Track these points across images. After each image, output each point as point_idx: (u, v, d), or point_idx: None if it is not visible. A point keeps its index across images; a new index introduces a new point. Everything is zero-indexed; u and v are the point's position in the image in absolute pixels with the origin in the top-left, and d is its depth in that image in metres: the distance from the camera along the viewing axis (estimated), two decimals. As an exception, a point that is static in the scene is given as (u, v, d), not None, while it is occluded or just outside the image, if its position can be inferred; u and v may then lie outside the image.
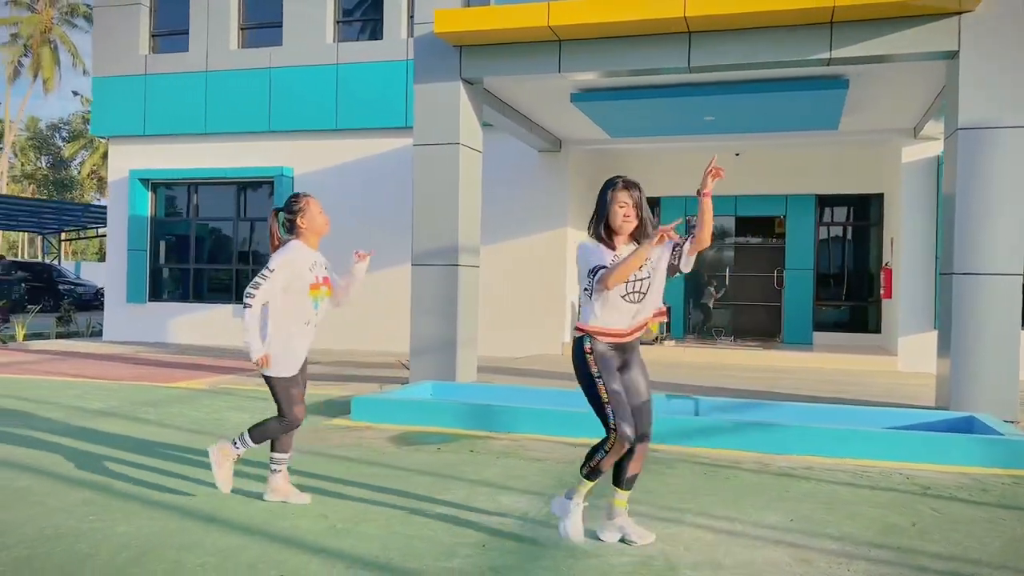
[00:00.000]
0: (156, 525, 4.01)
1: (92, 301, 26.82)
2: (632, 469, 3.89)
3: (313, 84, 14.24)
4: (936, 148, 11.87)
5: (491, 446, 6.16)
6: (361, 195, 14.17)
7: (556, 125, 12.16)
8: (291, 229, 4.48)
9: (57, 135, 60.14)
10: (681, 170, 15.33)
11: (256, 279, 4.28)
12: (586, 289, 3.78)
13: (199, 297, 15.57)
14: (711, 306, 15.69)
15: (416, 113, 8.96)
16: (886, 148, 13.47)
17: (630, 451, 3.78)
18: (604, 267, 3.70)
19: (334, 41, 14.34)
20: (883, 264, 13.93)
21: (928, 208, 12.08)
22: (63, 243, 39.14)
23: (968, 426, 6.66)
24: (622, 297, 3.74)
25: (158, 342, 15.01)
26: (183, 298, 15.60)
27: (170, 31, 15.31)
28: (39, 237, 32.87)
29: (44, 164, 59.37)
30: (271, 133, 14.66)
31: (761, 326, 15.67)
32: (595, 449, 3.74)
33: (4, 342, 14.76)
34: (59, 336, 16.07)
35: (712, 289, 15.61)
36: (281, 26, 14.54)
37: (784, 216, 15.25)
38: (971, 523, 4.38)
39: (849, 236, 15.38)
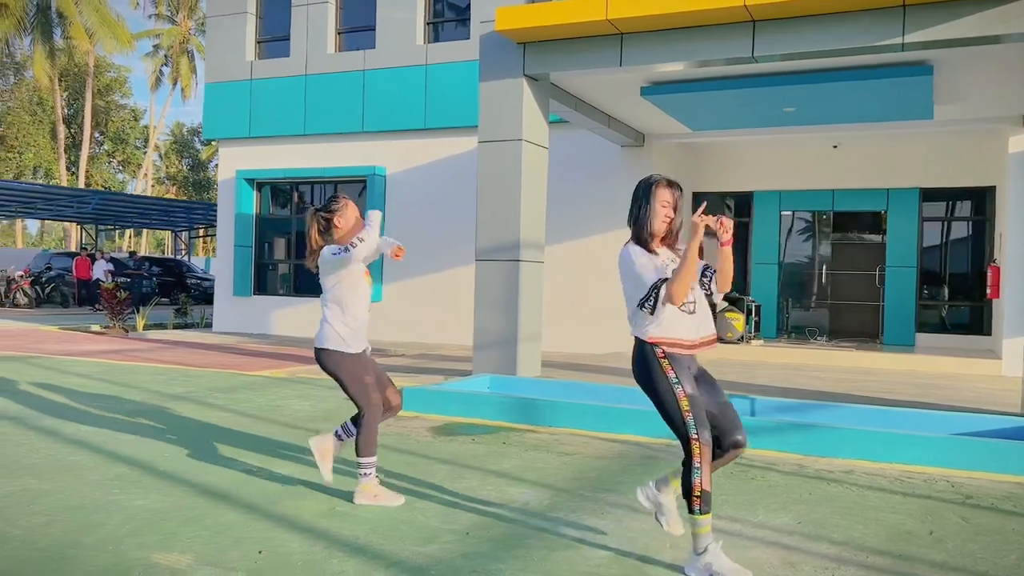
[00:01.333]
0: (169, 500, 4.29)
1: (217, 294, 28.45)
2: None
3: (404, 85, 14.63)
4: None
5: (526, 439, 6.20)
6: (449, 192, 14.46)
7: (634, 119, 12.02)
8: (327, 229, 4.48)
9: (196, 139, 64.12)
10: (774, 163, 14.87)
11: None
12: (644, 305, 3.42)
13: (299, 291, 16.30)
14: (808, 306, 15.12)
15: (481, 110, 9.08)
16: (993, 138, 12.59)
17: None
18: (665, 279, 3.38)
19: (424, 42, 14.68)
20: (991, 261, 13.03)
21: (1040, 201, 11.22)
22: (200, 239, 41.75)
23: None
24: (680, 308, 3.45)
25: (261, 333, 15.81)
26: (284, 292, 16.37)
27: (273, 37, 16.08)
28: (181, 235, 35.12)
29: (185, 167, 63.42)
30: (364, 133, 15.16)
31: (859, 327, 14.95)
32: (687, 475, 3.33)
33: (126, 331, 15.93)
34: (175, 327, 17.18)
35: (812, 291, 15.04)
36: (375, 29, 15.02)
37: (885, 211, 14.50)
38: (995, 534, 4.09)
39: (956, 232, 14.45)
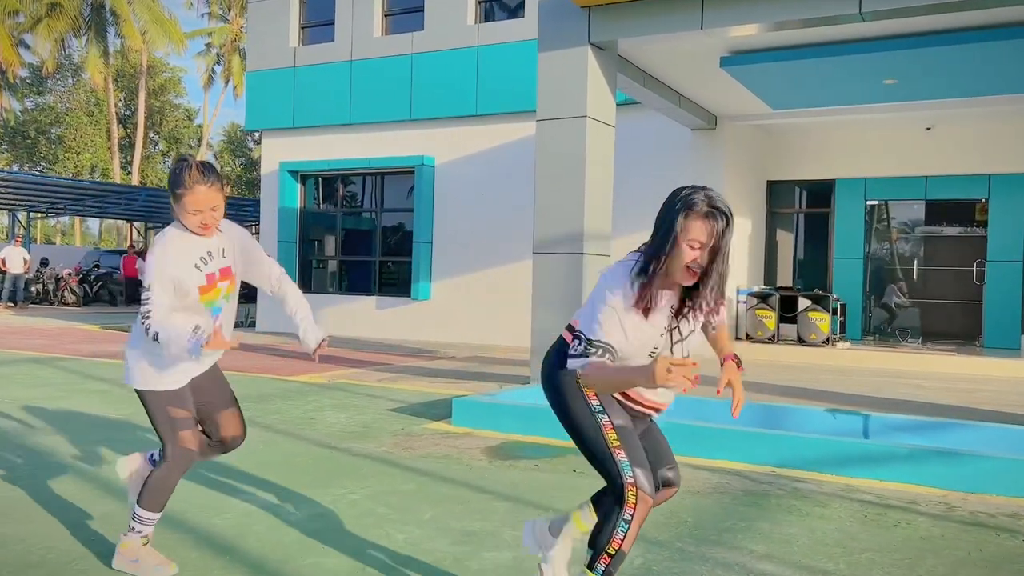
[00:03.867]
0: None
1: (266, 292, 27.99)
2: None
3: (454, 68, 13.69)
4: None
5: (600, 465, 5.16)
6: (502, 182, 13.48)
7: (708, 98, 10.87)
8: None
9: (249, 138, 64.33)
10: (859, 147, 13.55)
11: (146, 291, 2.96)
12: (575, 338, 2.48)
13: (344, 288, 15.49)
14: (894, 306, 13.78)
15: (540, 84, 8.06)
16: (1121, 113, 11.14)
17: None
18: (605, 347, 2.40)
19: (476, 22, 13.71)
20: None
21: None
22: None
23: None
24: (649, 355, 2.49)
25: (305, 334, 15.02)
26: (334, 290, 15.58)
27: (317, 22, 15.27)
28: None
29: (239, 165, 63.70)
30: (412, 121, 14.27)
31: (956, 327, 13.56)
32: (604, 525, 2.51)
33: (167, 331, 15.30)
34: (218, 326, 16.52)
35: (897, 287, 13.70)
36: (423, 10, 14.11)
37: (986, 199, 13.06)
38: None
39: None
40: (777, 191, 14.45)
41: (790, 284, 14.20)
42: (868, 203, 13.95)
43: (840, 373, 10.26)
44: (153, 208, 26.32)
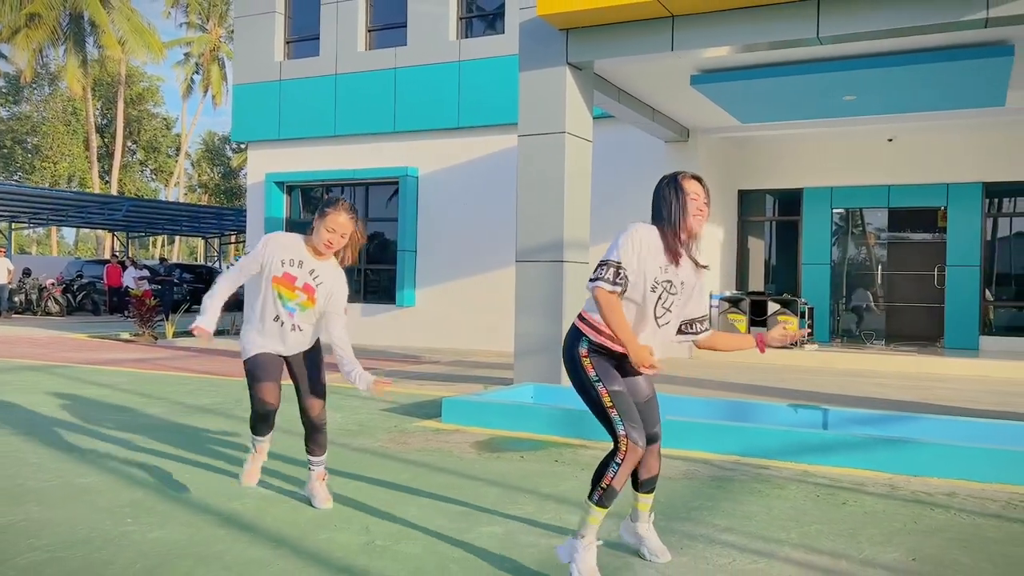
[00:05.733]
0: (187, 532, 3.77)
1: (248, 301, 28.20)
2: (648, 471, 3.47)
3: (437, 82, 14.15)
4: None
5: (580, 456, 5.63)
6: (484, 193, 13.94)
7: (680, 112, 11.41)
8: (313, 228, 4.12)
9: (227, 147, 64.34)
10: (825, 158, 14.16)
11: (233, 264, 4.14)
12: (595, 279, 3.18)
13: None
14: (865, 309, 14.38)
15: (521, 102, 8.54)
16: (1067, 126, 11.81)
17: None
18: (616, 265, 3.15)
19: (457, 38, 14.18)
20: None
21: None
22: (231, 246, 41.65)
23: None
24: (654, 313, 3.24)
25: (291, 340, 15.37)
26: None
27: (302, 36, 15.68)
28: (208, 242, 34.99)
29: (216, 174, 63.66)
30: (396, 133, 14.70)
31: (919, 329, 14.18)
32: (604, 465, 3.15)
33: (155, 339, 15.58)
34: (205, 334, 16.80)
35: (869, 292, 14.31)
36: (406, 26, 14.56)
37: (945, 207, 13.71)
38: None
39: (1022, 228, 13.62)
40: (748, 200, 15.03)
41: (762, 289, 14.77)
42: (835, 211, 14.56)
43: (807, 373, 10.80)
44: (135, 218, 26.52)
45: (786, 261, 15.11)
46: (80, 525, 3.86)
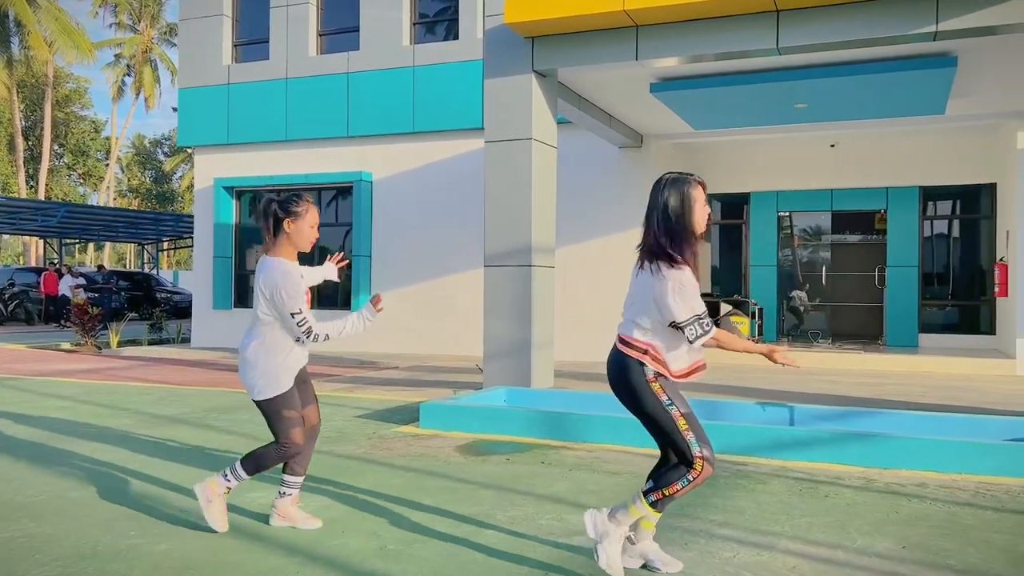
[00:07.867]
0: (197, 543, 3.75)
1: (188, 308, 27.57)
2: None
3: (390, 87, 14.12)
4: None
5: (564, 457, 5.74)
6: (438, 198, 13.96)
7: (636, 119, 11.65)
8: (274, 230, 3.93)
9: (159, 150, 62.75)
10: (771, 163, 14.60)
11: (299, 314, 3.96)
12: (680, 324, 3.21)
13: (282, 303, 15.67)
14: (802, 310, 14.86)
15: (487, 109, 8.62)
16: (999, 134, 12.44)
17: None
18: (705, 315, 3.27)
19: (411, 43, 14.18)
20: (997, 259, 12.84)
21: (1049, 197, 11.04)
22: (163, 252, 40.66)
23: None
24: (691, 341, 3.27)
25: (243, 348, 15.13)
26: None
27: (251, 40, 15.46)
28: (144, 248, 34.05)
29: (148, 179, 62.02)
30: (350, 138, 14.61)
31: (861, 328, 14.73)
32: (674, 477, 3.20)
33: (99, 349, 15.16)
34: (151, 343, 16.44)
35: (803, 294, 14.78)
36: (358, 31, 14.49)
37: (885, 210, 14.28)
38: (1124, 556, 3.71)
39: (957, 230, 14.29)
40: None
41: (708, 291, 15.13)
42: (780, 214, 15.02)
43: (762, 371, 11.13)
44: (71, 224, 25.71)
45: (731, 263, 15.50)
46: (82, 539, 3.80)
